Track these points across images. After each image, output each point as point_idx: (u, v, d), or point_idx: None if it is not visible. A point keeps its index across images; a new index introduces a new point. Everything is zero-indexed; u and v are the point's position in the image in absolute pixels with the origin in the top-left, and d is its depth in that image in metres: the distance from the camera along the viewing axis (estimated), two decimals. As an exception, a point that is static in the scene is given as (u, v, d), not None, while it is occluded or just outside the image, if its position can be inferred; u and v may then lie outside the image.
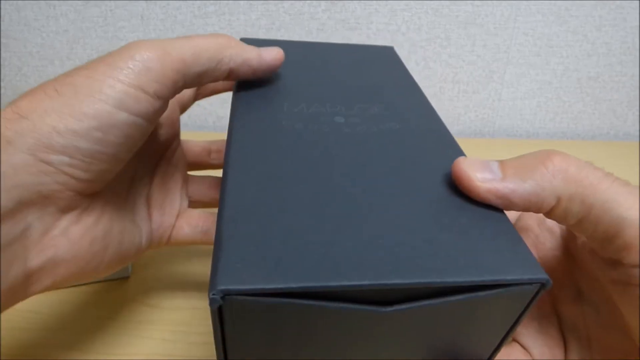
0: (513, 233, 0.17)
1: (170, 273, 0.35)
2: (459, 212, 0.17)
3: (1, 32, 0.53)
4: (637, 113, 0.61)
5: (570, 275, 0.22)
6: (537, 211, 0.18)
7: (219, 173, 0.25)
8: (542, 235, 0.23)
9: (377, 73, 0.29)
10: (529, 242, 0.23)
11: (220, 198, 0.17)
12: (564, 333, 0.22)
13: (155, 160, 0.28)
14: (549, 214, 0.18)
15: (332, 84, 0.27)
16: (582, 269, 0.22)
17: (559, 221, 0.18)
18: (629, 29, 0.55)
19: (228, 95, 0.59)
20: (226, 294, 0.13)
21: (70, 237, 0.20)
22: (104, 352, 0.29)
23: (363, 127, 0.22)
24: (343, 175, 0.18)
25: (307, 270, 0.14)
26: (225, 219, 0.16)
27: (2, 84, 0.57)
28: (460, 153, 0.21)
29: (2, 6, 0.52)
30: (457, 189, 0.18)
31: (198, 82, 0.22)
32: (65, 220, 0.20)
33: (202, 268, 0.36)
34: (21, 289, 0.19)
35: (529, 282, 0.15)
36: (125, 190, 0.25)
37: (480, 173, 0.17)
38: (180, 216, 0.28)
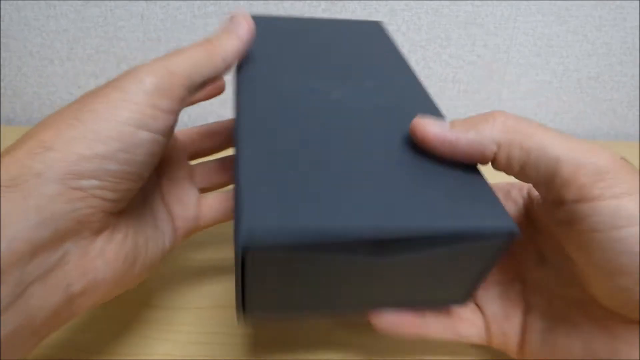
0: (489, 191, 0.19)
1: (172, 272, 0.35)
2: (442, 173, 0.20)
3: (1, 32, 0.53)
4: (637, 113, 0.61)
5: (533, 242, 0.24)
6: (481, 160, 0.20)
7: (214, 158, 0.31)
8: (507, 206, 0.26)
9: (369, 48, 0.30)
10: None
11: (236, 165, 0.19)
12: (527, 297, 0.24)
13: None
14: (493, 162, 0.20)
15: (327, 60, 0.28)
16: (543, 234, 0.24)
17: (504, 169, 0.20)
18: (629, 29, 0.55)
19: (228, 96, 0.59)
20: (249, 247, 0.15)
21: (106, 258, 0.21)
22: (107, 352, 0.29)
23: (358, 101, 0.24)
24: (341, 143, 0.21)
25: (320, 225, 0.16)
26: (244, 180, 0.18)
27: (2, 84, 0.57)
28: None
29: (2, 6, 0.52)
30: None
31: (202, 87, 0.25)
32: (100, 242, 0.21)
33: (202, 268, 0.36)
34: (65, 313, 0.20)
35: (502, 232, 0.18)
36: (141, 200, 0.25)
37: (432, 127, 0.20)
38: (200, 204, 0.29)
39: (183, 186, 0.29)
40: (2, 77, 0.56)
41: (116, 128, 0.20)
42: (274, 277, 0.18)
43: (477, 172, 0.21)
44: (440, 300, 0.23)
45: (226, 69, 0.26)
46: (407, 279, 0.20)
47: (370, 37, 0.32)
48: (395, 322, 0.23)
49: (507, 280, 0.25)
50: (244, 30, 0.27)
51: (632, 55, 0.57)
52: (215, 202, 0.30)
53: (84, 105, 0.20)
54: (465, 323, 0.25)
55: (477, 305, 0.26)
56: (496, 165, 0.21)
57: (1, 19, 0.53)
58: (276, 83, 0.26)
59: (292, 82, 0.26)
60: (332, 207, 0.16)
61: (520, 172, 0.20)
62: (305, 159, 0.19)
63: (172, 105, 0.22)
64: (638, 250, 0.17)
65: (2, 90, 0.57)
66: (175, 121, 0.23)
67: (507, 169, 0.20)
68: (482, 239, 0.18)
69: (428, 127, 0.20)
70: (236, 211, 0.16)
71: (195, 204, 0.29)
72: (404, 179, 0.19)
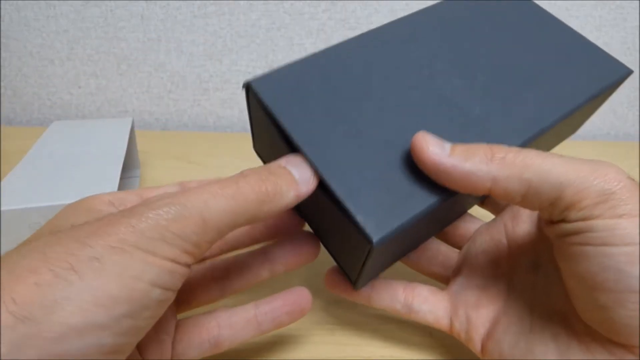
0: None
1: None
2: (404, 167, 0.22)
3: (1, 32, 0.53)
4: (637, 113, 0.61)
5: (532, 247, 0.24)
6: (475, 191, 0.20)
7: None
8: (514, 223, 0.26)
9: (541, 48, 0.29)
10: (501, 226, 0.26)
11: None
12: (509, 298, 0.24)
13: None
14: (494, 194, 0.20)
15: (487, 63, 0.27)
16: (544, 242, 0.24)
17: (507, 201, 0.20)
18: (629, 29, 0.55)
19: (228, 96, 0.59)
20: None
21: None
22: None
23: (454, 92, 0.25)
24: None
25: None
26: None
27: (2, 84, 0.57)
28: None
29: (2, 6, 0.52)
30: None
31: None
32: None
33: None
34: None
35: (368, 238, 0.19)
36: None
37: (432, 146, 0.20)
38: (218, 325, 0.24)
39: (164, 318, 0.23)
40: (2, 77, 0.56)
41: (126, 285, 0.15)
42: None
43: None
44: (346, 271, 0.24)
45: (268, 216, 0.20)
46: (329, 225, 0.23)
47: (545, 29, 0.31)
48: (337, 283, 0.25)
49: (494, 276, 0.25)
50: (307, 187, 0.20)
51: (632, 56, 0.57)
52: (241, 320, 0.24)
53: (85, 247, 0.15)
54: (418, 298, 0.25)
55: (450, 287, 0.26)
56: (495, 196, 0.20)
57: (1, 19, 0.53)
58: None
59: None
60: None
61: (522, 202, 0.19)
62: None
63: (193, 260, 0.18)
64: (624, 268, 0.16)
65: (2, 90, 0.57)
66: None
67: (507, 200, 0.20)
68: (357, 233, 0.20)
69: (428, 146, 0.20)
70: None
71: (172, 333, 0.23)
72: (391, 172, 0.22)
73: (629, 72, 0.27)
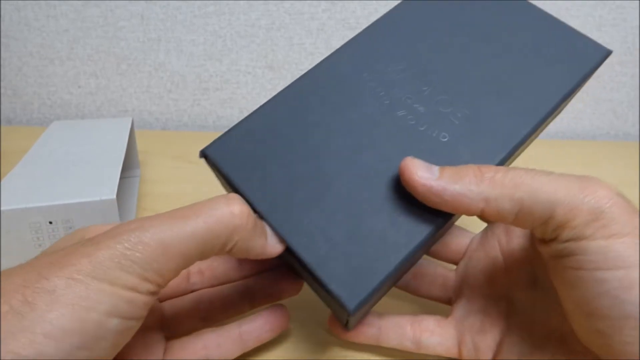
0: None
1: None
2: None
3: (1, 32, 0.53)
4: (637, 113, 0.61)
5: (530, 263, 0.24)
6: (467, 212, 0.20)
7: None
8: (508, 238, 0.26)
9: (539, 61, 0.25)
10: (495, 242, 0.26)
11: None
12: (510, 318, 0.24)
13: None
14: (486, 215, 0.19)
15: (461, 66, 0.25)
16: (540, 258, 0.23)
17: (499, 221, 0.20)
18: (629, 29, 0.55)
19: (228, 95, 0.59)
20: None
21: None
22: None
23: (418, 120, 0.23)
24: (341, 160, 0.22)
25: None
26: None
27: (2, 84, 0.57)
28: None
29: (2, 6, 0.52)
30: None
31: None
32: None
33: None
34: None
35: (345, 302, 0.19)
36: None
37: (421, 171, 0.20)
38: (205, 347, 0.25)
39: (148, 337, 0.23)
40: (2, 77, 0.56)
41: (79, 316, 0.15)
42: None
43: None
44: (336, 316, 0.24)
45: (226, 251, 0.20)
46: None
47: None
48: (337, 324, 0.24)
49: (494, 296, 0.25)
50: (274, 250, 0.21)
51: (632, 55, 0.57)
52: (227, 341, 0.24)
53: (42, 278, 0.15)
54: (426, 333, 0.25)
55: (454, 313, 0.26)
56: (487, 219, 0.20)
57: (1, 19, 0.53)
58: (373, 57, 0.26)
59: (393, 64, 0.25)
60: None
61: (515, 221, 0.19)
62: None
63: (156, 289, 0.17)
64: (619, 295, 0.16)
65: (2, 90, 0.57)
66: (155, 298, 0.18)
67: (500, 220, 0.19)
68: (334, 299, 0.19)
69: (416, 171, 0.20)
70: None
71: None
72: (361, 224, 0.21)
73: (607, 52, 0.25)
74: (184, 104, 0.59)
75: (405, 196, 0.21)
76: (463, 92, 0.24)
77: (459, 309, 0.26)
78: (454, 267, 0.28)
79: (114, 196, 0.29)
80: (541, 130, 0.25)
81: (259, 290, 0.26)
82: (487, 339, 0.24)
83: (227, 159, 0.23)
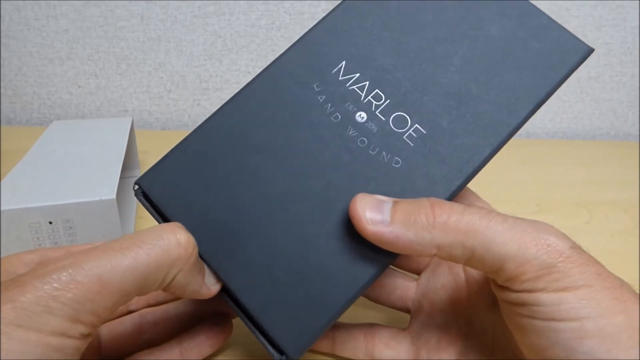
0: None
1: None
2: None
3: (1, 32, 0.53)
4: (637, 113, 0.61)
5: (490, 286, 0.23)
6: (421, 256, 0.19)
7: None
8: None
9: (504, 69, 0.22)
10: None
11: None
12: (468, 339, 0.23)
13: None
14: (438, 257, 0.19)
15: (415, 69, 0.22)
16: None
17: (451, 261, 0.19)
18: (629, 29, 0.55)
19: (228, 95, 0.59)
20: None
21: None
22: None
23: (370, 141, 0.21)
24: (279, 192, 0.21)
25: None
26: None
27: (2, 84, 0.57)
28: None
29: (2, 6, 0.52)
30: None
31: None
32: None
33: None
34: None
35: (282, 351, 0.19)
36: None
37: (371, 213, 0.19)
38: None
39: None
40: (2, 77, 0.56)
41: None
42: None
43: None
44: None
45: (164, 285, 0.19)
46: None
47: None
48: None
49: (454, 314, 0.24)
50: (210, 292, 0.20)
51: (632, 55, 0.57)
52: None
53: None
54: (380, 346, 0.24)
55: (411, 326, 0.25)
56: (439, 258, 0.20)
57: (1, 19, 0.53)
58: (325, 64, 0.23)
59: (345, 72, 0.23)
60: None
61: (466, 264, 0.19)
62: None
63: (90, 330, 0.16)
64: (573, 345, 0.16)
65: (2, 90, 0.57)
66: (90, 337, 0.17)
67: (452, 261, 0.19)
68: (279, 346, 0.19)
69: (365, 213, 0.19)
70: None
71: None
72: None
73: (589, 51, 0.22)
74: (184, 104, 0.59)
75: (354, 231, 0.19)
76: (421, 106, 0.21)
77: (417, 322, 0.25)
78: (416, 276, 0.27)
79: (114, 196, 0.29)
80: (503, 144, 0.22)
81: (208, 307, 0.25)
82: (443, 356, 0.23)
83: (160, 190, 0.21)
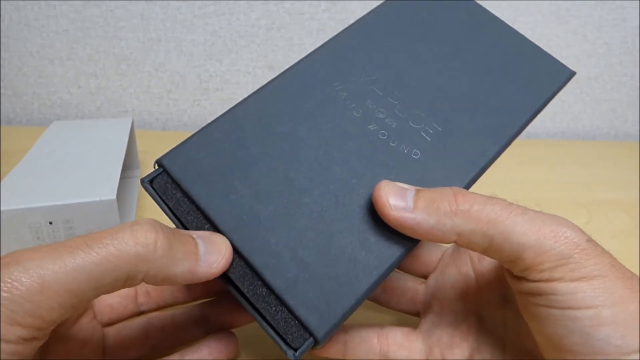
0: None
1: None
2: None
3: (1, 32, 0.53)
4: (637, 113, 0.61)
5: (500, 282, 0.24)
6: (439, 242, 0.20)
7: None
8: (480, 256, 0.25)
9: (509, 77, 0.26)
10: (467, 258, 0.26)
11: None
12: (480, 336, 0.24)
13: None
14: (457, 244, 0.19)
15: (429, 75, 0.25)
16: None
17: (468, 249, 0.20)
18: (629, 29, 0.55)
19: (228, 95, 0.59)
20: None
21: None
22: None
23: (390, 135, 0.22)
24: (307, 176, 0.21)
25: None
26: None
27: (2, 84, 0.57)
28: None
29: (2, 6, 0.52)
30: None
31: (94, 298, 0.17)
32: None
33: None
34: None
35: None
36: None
37: (394, 199, 0.19)
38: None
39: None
40: (2, 77, 0.56)
41: None
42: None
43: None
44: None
45: (143, 283, 0.18)
46: None
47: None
48: None
49: (464, 311, 0.25)
50: (211, 262, 0.19)
51: (632, 55, 0.57)
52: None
53: None
54: (393, 346, 0.24)
55: (422, 326, 0.25)
56: (457, 244, 0.20)
57: (1, 19, 0.53)
58: (351, 63, 0.25)
59: (366, 73, 0.25)
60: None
61: (483, 253, 0.19)
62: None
63: (31, 334, 0.15)
64: (590, 332, 0.17)
65: (2, 90, 0.57)
66: (43, 340, 0.16)
67: (469, 249, 0.20)
68: (305, 325, 0.19)
69: (389, 199, 0.19)
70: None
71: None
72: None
73: (571, 74, 0.26)
74: (184, 104, 0.59)
75: (377, 216, 0.20)
76: (435, 107, 0.23)
77: (427, 321, 0.25)
78: (424, 280, 0.27)
79: (114, 196, 0.29)
80: (508, 145, 0.24)
81: (215, 316, 0.25)
82: (456, 354, 0.23)
83: (185, 170, 0.21)
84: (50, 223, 0.29)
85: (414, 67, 0.25)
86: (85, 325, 0.22)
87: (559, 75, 0.26)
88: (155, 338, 0.24)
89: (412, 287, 0.27)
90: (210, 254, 0.18)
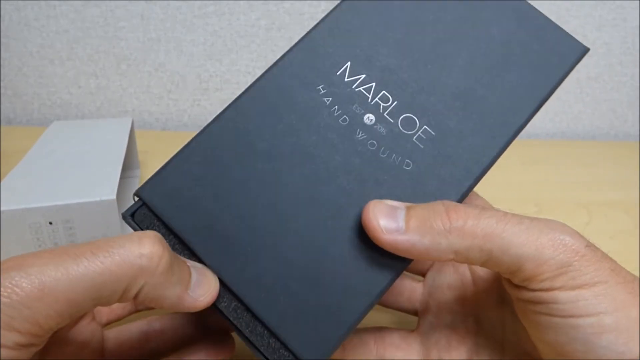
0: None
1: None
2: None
3: (1, 32, 0.53)
4: (637, 113, 0.61)
5: (497, 282, 0.24)
6: (438, 261, 0.19)
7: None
8: None
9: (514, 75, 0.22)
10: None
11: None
12: (478, 338, 0.23)
13: None
14: (455, 261, 0.19)
15: (426, 73, 0.22)
16: None
17: (467, 264, 0.19)
18: (629, 29, 0.55)
19: (228, 96, 0.59)
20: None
21: None
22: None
23: (380, 144, 0.21)
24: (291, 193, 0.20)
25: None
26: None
27: (2, 84, 0.56)
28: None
29: (2, 6, 0.52)
30: None
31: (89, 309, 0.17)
32: None
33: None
34: None
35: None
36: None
37: (385, 221, 0.18)
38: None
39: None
40: (2, 77, 0.56)
41: None
42: None
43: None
44: None
45: (134, 298, 0.17)
46: None
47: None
48: None
49: (462, 313, 0.24)
50: (198, 295, 0.18)
51: (632, 55, 0.57)
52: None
53: None
54: (391, 348, 0.24)
55: (420, 327, 0.25)
56: (454, 261, 0.20)
57: (1, 19, 0.53)
58: (330, 64, 0.23)
59: (350, 73, 0.22)
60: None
61: (482, 266, 0.19)
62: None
63: (36, 337, 0.15)
64: (592, 339, 0.17)
65: (2, 90, 0.57)
66: (39, 346, 0.16)
67: (469, 264, 0.19)
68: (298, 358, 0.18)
69: (379, 222, 0.18)
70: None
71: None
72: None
73: (584, 51, 0.22)
74: (184, 104, 0.59)
75: (367, 237, 0.19)
76: (428, 107, 0.21)
77: (425, 323, 0.25)
78: (421, 277, 0.27)
79: (114, 196, 0.29)
80: (508, 145, 0.22)
81: (214, 318, 0.25)
82: (454, 356, 0.23)
83: (164, 202, 0.19)
84: (50, 223, 0.29)
85: (403, 59, 0.22)
86: (85, 328, 0.22)
87: (569, 54, 0.22)
88: (156, 341, 0.24)
89: (410, 286, 0.27)
90: (200, 286, 0.18)
